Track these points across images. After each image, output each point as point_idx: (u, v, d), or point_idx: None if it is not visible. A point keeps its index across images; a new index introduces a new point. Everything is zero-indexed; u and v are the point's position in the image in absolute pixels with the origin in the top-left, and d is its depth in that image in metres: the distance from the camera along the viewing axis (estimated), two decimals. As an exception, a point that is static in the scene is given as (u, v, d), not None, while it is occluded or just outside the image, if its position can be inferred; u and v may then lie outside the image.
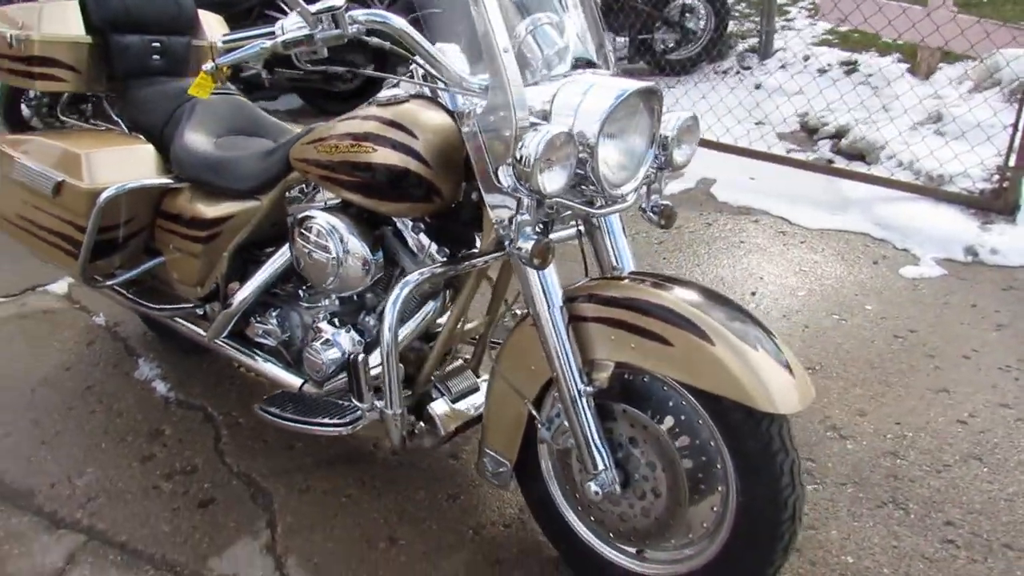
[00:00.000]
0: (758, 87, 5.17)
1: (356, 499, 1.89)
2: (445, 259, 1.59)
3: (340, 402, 1.73)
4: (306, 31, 1.27)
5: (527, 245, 1.29)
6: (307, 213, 1.68)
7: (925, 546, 1.70)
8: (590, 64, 1.46)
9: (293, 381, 1.83)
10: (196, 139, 2.02)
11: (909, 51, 4.97)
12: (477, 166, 1.37)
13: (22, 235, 2.24)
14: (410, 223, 1.64)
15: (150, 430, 2.17)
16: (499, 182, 1.33)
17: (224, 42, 1.33)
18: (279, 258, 1.84)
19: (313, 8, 1.25)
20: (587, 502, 1.50)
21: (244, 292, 1.89)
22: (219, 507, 1.88)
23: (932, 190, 3.43)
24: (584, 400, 1.40)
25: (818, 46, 5.63)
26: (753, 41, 5.88)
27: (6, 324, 2.76)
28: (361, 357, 1.53)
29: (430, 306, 1.68)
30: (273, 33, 1.30)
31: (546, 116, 1.33)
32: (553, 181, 1.25)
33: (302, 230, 1.67)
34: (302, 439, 2.07)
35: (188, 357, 2.46)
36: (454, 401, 1.74)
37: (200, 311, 2.07)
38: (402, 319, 1.67)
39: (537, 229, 1.34)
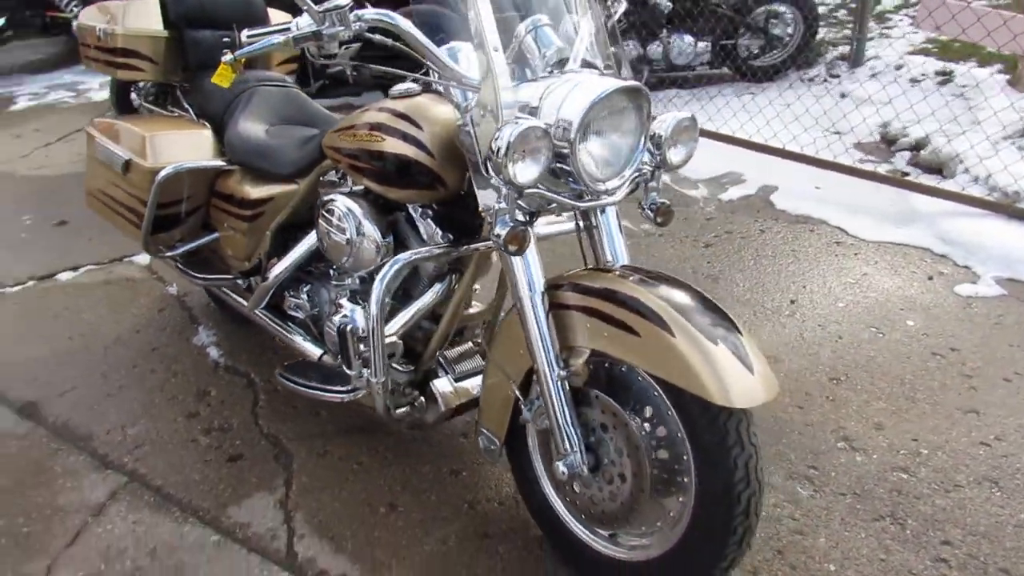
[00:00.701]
0: (843, 96, 5.01)
1: (367, 466, 2.02)
2: (447, 244, 1.69)
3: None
4: (314, 28, 1.40)
5: (503, 232, 1.38)
6: (330, 197, 1.82)
7: (915, 563, 1.66)
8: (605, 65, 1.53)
9: (314, 351, 1.98)
10: (248, 126, 2.21)
11: (1013, 62, 4.69)
12: (468, 157, 1.46)
13: (104, 210, 2.50)
14: (419, 209, 1.75)
15: (198, 390, 2.38)
16: (486, 173, 1.42)
17: (247, 37, 1.48)
18: (310, 238, 1.99)
19: (321, 7, 1.38)
20: (559, 482, 1.57)
21: (279, 268, 2.05)
22: (245, 463, 2.05)
23: (1005, 206, 3.26)
24: (559, 383, 1.46)
25: (914, 55, 5.39)
26: (845, 49, 5.68)
27: (95, 289, 3.07)
28: (350, 328, 1.65)
29: (437, 287, 1.78)
30: (289, 30, 1.44)
31: (535, 112, 1.41)
32: (525, 173, 1.33)
33: (324, 212, 1.82)
34: (327, 407, 2.22)
35: (241, 328, 2.67)
36: (458, 380, 1.84)
37: (243, 283, 2.26)
38: (410, 298, 1.79)
39: (520, 218, 1.42)
